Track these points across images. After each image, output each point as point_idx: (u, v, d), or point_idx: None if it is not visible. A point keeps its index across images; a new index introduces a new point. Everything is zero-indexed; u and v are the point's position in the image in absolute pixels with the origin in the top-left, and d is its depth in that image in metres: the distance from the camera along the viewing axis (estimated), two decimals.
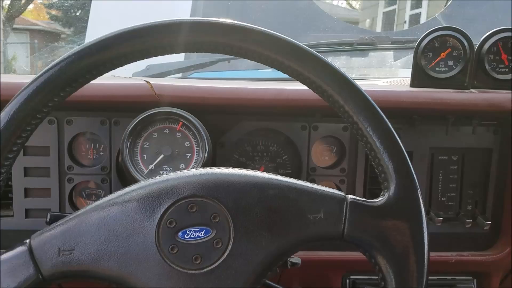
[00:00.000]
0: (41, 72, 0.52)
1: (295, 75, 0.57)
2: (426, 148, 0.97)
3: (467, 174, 0.99)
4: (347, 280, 1.01)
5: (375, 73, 1.36)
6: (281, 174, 0.97)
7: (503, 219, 1.00)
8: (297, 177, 0.97)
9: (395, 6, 3.56)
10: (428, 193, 0.99)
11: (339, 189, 0.97)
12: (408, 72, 0.99)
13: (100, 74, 0.55)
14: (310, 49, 0.55)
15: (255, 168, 0.97)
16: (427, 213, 0.98)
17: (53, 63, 0.52)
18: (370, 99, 0.55)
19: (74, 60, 0.52)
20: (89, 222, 0.52)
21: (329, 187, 0.57)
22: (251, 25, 0.55)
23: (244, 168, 0.96)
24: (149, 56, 0.56)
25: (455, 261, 0.99)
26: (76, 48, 0.53)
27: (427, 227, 0.54)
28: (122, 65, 0.56)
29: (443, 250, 1.00)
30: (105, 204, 0.53)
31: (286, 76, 0.58)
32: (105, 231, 0.52)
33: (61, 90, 0.53)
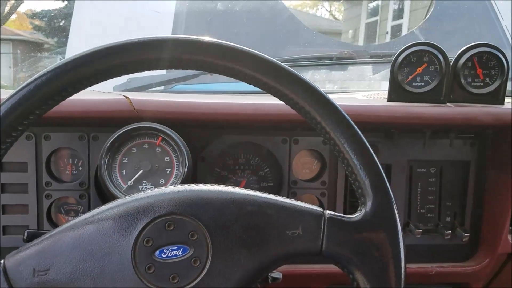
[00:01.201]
0: (16, 90, 0.51)
1: (273, 92, 0.57)
2: (405, 161, 0.98)
3: (446, 186, 1.01)
4: None
5: (355, 86, 1.38)
6: (263, 187, 0.98)
7: (482, 230, 1.02)
8: (279, 190, 0.97)
9: (377, 17, 3.61)
10: (407, 205, 1.00)
11: (320, 202, 0.98)
12: (387, 85, 1.01)
13: (77, 91, 0.54)
14: (287, 67, 0.56)
15: (236, 182, 0.97)
16: (407, 225, 0.99)
17: (28, 80, 0.52)
18: (346, 115, 0.56)
19: (49, 78, 0.52)
20: (64, 242, 0.52)
21: (310, 201, 0.57)
22: (229, 43, 0.55)
23: (226, 181, 0.96)
24: (126, 73, 0.56)
25: (435, 272, 1.00)
26: (52, 65, 0.53)
27: (404, 241, 0.55)
28: (98, 82, 0.55)
29: (423, 261, 1.01)
30: (80, 223, 0.53)
31: None
32: (81, 250, 0.51)
33: (36, 108, 0.52)
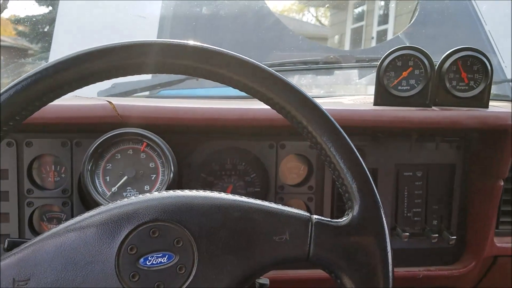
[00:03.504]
0: None
1: (259, 96, 0.57)
2: (391, 165, 0.99)
3: (432, 189, 1.01)
4: None
5: (341, 90, 1.38)
6: (249, 193, 0.97)
7: (468, 233, 1.03)
8: (266, 195, 0.97)
9: (363, 23, 3.63)
10: (394, 209, 1.01)
11: (307, 207, 0.97)
12: (373, 89, 1.01)
13: (58, 97, 0.53)
14: (274, 71, 0.56)
15: (223, 187, 0.97)
16: (394, 228, 0.99)
17: (8, 86, 0.51)
18: (333, 120, 0.55)
19: (30, 83, 0.51)
20: (45, 250, 0.50)
21: (298, 206, 0.57)
22: (214, 47, 0.55)
23: (212, 187, 0.95)
24: (109, 78, 0.55)
25: (423, 276, 1.00)
26: (32, 70, 0.51)
27: (391, 244, 0.55)
28: (80, 87, 0.54)
29: (411, 265, 1.01)
30: (62, 230, 0.51)
31: None
32: (62, 259, 0.50)
33: (16, 114, 0.51)
